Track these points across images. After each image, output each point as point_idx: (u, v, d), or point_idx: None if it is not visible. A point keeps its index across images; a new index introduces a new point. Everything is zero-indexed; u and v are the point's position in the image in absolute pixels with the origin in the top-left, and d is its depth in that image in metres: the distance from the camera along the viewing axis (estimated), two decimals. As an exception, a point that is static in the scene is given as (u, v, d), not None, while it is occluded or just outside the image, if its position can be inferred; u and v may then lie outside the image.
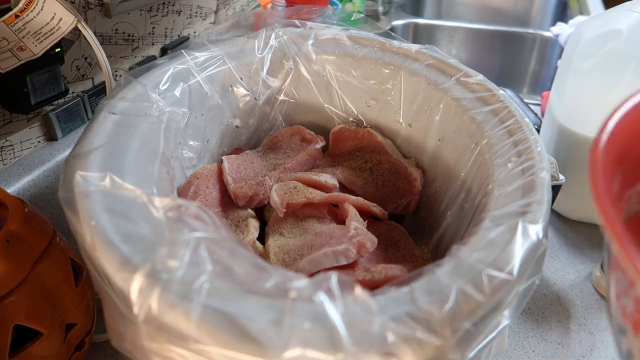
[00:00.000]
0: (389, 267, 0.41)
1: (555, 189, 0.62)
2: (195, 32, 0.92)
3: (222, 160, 0.54)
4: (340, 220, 0.49)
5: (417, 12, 1.50)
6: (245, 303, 0.28)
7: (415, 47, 0.57)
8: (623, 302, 0.19)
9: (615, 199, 0.20)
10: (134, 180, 0.37)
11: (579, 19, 1.10)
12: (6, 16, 0.50)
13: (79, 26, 0.54)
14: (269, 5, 0.88)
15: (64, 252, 0.44)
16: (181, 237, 0.31)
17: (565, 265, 0.65)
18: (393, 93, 0.56)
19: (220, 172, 0.53)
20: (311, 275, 0.41)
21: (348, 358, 0.26)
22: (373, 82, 0.57)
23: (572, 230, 0.70)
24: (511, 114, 0.45)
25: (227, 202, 0.51)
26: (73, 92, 0.69)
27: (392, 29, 1.31)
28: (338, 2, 1.02)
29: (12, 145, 0.62)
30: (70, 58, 0.67)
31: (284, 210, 0.48)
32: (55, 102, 0.67)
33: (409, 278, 0.31)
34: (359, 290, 0.29)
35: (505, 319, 0.31)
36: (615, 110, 0.25)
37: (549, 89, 0.72)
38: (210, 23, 0.96)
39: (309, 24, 0.61)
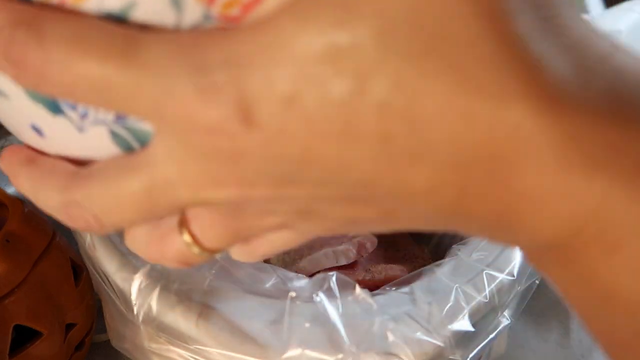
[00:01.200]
0: (389, 267, 0.41)
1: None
2: (195, 32, 0.92)
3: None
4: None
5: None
6: (245, 303, 0.28)
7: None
8: None
9: None
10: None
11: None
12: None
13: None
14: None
15: (64, 252, 0.44)
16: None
17: (565, 265, 0.65)
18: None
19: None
20: (311, 275, 0.41)
21: (348, 358, 0.26)
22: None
23: (572, 230, 0.70)
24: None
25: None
26: (73, 92, 0.69)
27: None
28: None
29: (12, 145, 0.63)
30: (70, 58, 0.67)
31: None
32: (55, 102, 0.67)
33: (409, 278, 0.31)
34: (359, 290, 0.29)
35: (505, 319, 0.31)
36: None
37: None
38: (210, 23, 0.96)
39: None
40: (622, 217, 0.13)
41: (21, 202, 0.42)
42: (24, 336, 0.40)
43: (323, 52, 0.12)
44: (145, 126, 0.14)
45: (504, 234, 0.15)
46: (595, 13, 0.74)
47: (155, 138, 0.14)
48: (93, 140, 0.15)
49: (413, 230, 0.17)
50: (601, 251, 0.13)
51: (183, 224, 0.16)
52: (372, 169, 0.13)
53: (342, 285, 0.29)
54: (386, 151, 0.13)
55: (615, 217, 0.13)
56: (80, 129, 0.15)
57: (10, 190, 0.59)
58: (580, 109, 0.12)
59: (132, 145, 0.15)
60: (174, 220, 0.17)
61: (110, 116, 0.14)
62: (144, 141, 0.15)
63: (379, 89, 0.12)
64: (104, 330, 0.49)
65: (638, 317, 0.14)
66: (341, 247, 0.42)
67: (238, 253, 0.19)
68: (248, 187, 0.14)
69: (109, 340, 0.46)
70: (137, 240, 0.18)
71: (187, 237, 0.16)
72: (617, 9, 0.62)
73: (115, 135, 0.15)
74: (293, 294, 0.29)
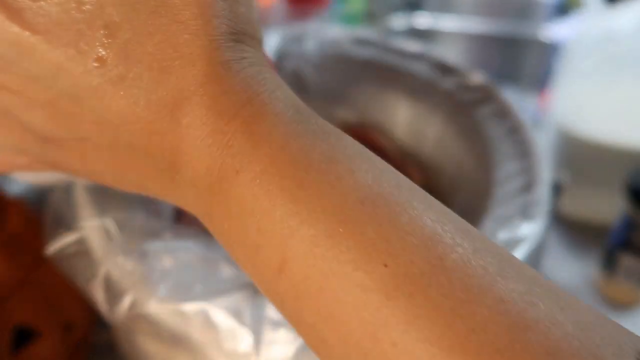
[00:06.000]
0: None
1: (556, 189, 0.62)
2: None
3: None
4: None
5: (417, 12, 1.50)
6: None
7: (415, 47, 0.57)
8: None
9: None
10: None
11: (579, 18, 1.10)
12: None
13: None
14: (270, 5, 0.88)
15: (64, 252, 0.44)
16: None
17: (565, 265, 0.65)
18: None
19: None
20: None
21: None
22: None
23: (572, 230, 0.70)
24: (511, 113, 0.45)
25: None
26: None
27: (392, 29, 1.31)
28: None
29: (12, 145, 0.62)
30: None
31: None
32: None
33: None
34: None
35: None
36: None
37: (549, 89, 0.72)
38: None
39: (309, 24, 0.61)
40: (242, 148, 0.17)
41: (21, 202, 0.42)
42: (24, 336, 0.40)
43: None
44: None
45: (178, 176, 0.18)
46: (595, 12, 0.74)
47: None
48: None
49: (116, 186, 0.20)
50: (234, 176, 0.17)
51: None
52: (83, 85, 0.17)
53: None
54: (97, 72, 0.16)
55: (236, 147, 0.17)
56: None
57: (10, 190, 0.59)
58: (225, 85, 0.17)
59: None
60: None
61: None
62: None
63: (109, 17, 0.16)
64: (104, 330, 0.49)
65: (255, 215, 0.17)
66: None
67: None
68: None
69: (109, 340, 0.46)
70: None
71: None
72: (617, 9, 0.62)
73: None
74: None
